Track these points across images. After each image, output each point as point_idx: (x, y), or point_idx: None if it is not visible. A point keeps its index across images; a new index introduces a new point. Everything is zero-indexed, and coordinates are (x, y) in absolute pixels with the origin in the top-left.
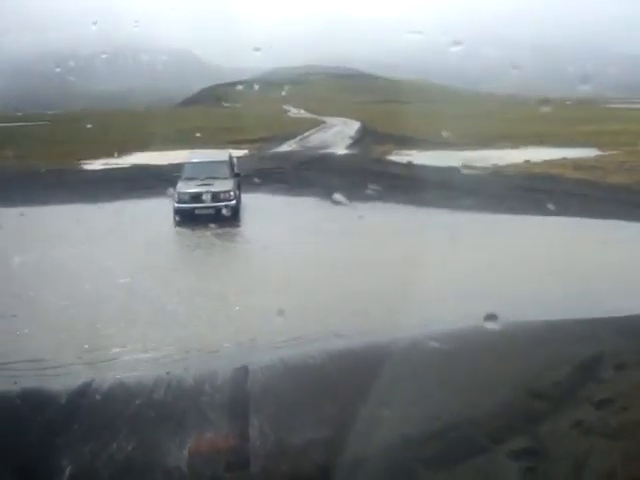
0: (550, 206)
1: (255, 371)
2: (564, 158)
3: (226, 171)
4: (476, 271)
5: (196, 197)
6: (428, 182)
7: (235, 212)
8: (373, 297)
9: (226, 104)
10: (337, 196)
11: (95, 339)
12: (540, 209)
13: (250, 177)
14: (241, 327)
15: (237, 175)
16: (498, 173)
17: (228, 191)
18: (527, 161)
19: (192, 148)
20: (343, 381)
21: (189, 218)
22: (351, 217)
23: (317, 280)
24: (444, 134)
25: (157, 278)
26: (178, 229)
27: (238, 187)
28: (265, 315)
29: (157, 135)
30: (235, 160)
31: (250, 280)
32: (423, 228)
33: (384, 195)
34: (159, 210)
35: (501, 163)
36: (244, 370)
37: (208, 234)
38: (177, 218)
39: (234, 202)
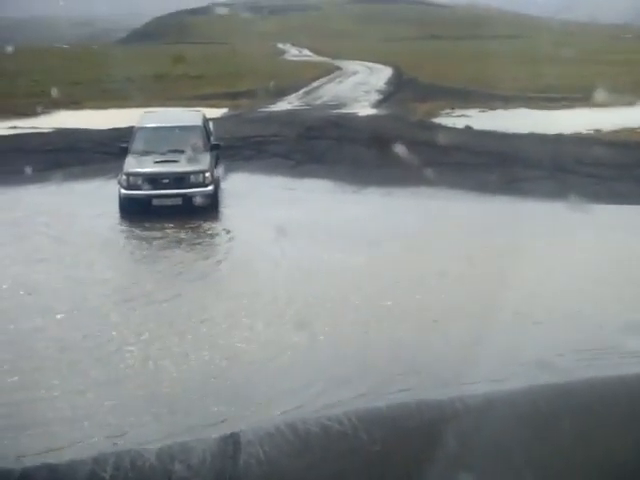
0: None
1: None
2: None
3: (198, 141)
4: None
5: (154, 180)
6: (495, 156)
7: (213, 203)
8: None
9: (192, 41)
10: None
11: None
12: None
13: (234, 149)
14: None
15: (215, 147)
16: (607, 142)
17: (202, 171)
18: None
19: (145, 106)
20: None
21: (143, 211)
22: (390, 211)
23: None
24: (515, 84)
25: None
26: (124, 228)
27: (216, 165)
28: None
29: (91, 85)
30: (211, 124)
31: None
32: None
33: (432, 177)
34: (94, 200)
35: (604, 127)
36: None
37: (171, 240)
38: (124, 210)
39: (211, 188)
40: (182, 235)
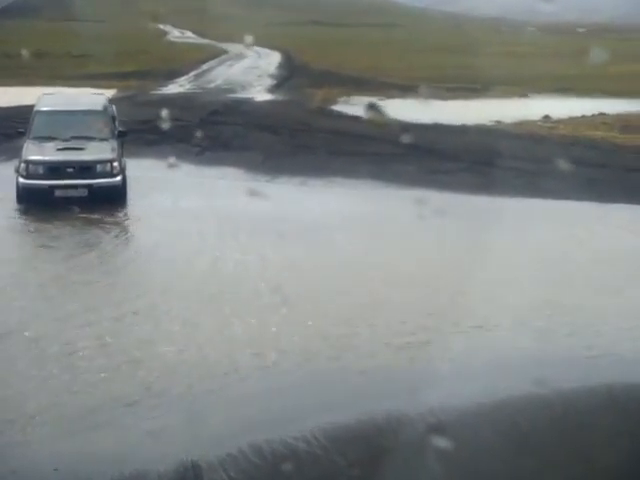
0: None
1: None
2: (601, 114)
3: (103, 126)
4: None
5: (56, 169)
6: (408, 147)
7: (119, 194)
8: None
9: (69, 18)
10: None
11: None
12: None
13: (135, 133)
14: None
15: (122, 134)
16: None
17: (109, 160)
18: (547, 117)
19: (27, 85)
20: None
21: (43, 202)
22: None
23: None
24: (409, 73)
25: None
26: (22, 221)
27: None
28: None
29: None
30: (114, 109)
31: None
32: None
33: (345, 167)
34: None
35: (505, 119)
36: None
37: (76, 233)
38: (23, 201)
39: (119, 178)
40: (95, 231)
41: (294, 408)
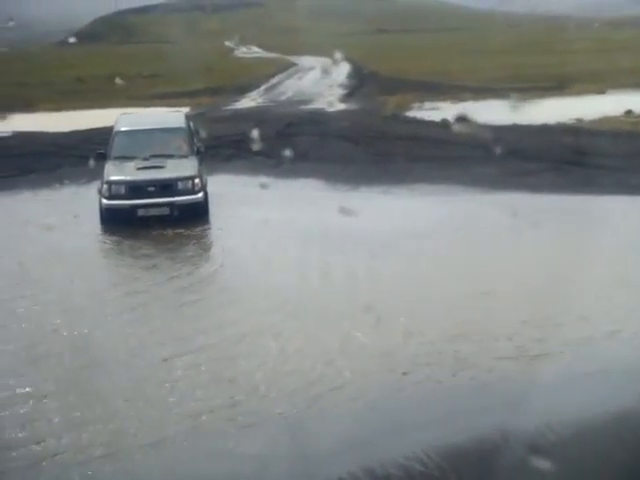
0: None
1: None
2: None
3: (183, 144)
4: None
5: (138, 189)
6: (491, 149)
7: (202, 211)
8: None
9: (139, 40)
10: None
11: None
12: None
13: (212, 149)
14: None
15: (200, 151)
16: (590, 132)
17: (190, 177)
18: (629, 112)
19: (102, 107)
20: None
21: (127, 222)
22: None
23: None
24: (479, 75)
25: None
26: (106, 243)
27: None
28: None
29: (41, 87)
30: (193, 125)
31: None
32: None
33: (430, 173)
34: (67, 213)
35: (585, 116)
36: None
37: (163, 258)
38: (106, 222)
39: (200, 195)
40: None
41: None
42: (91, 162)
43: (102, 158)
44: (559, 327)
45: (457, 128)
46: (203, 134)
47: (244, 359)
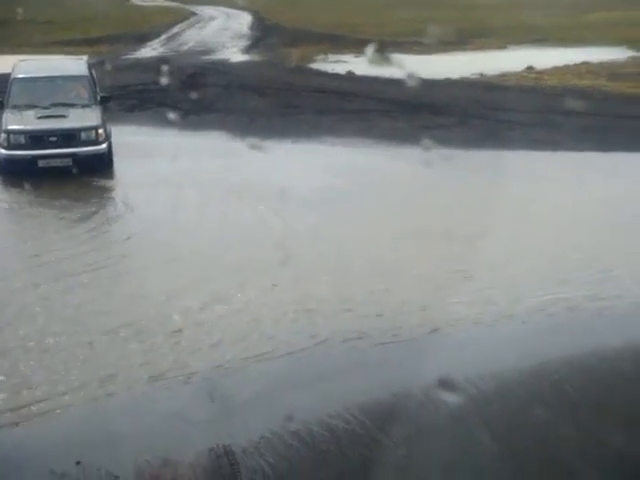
0: None
1: None
2: (585, 63)
3: (86, 93)
4: None
5: (39, 138)
6: (399, 104)
7: (106, 163)
8: None
9: None
10: None
11: None
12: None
13: (114, 98)
14: None
15: (105, 99)
16: (493, 86)
17: (94, 127)
18: (530, 68)
19: None
20: None
21: (26, 173)
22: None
23: None
24: (382, 30)
25: None
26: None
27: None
28: None
29: None
30: (94, 73)
31: None
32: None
33: (336, 126)
34: None
35: (487, 71)
36: None
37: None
38: (5, 173)
39: (104, 146)
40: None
41: None
42: None
43: None
44: None
45: (362, 81)
46: (105, 83)
47: None
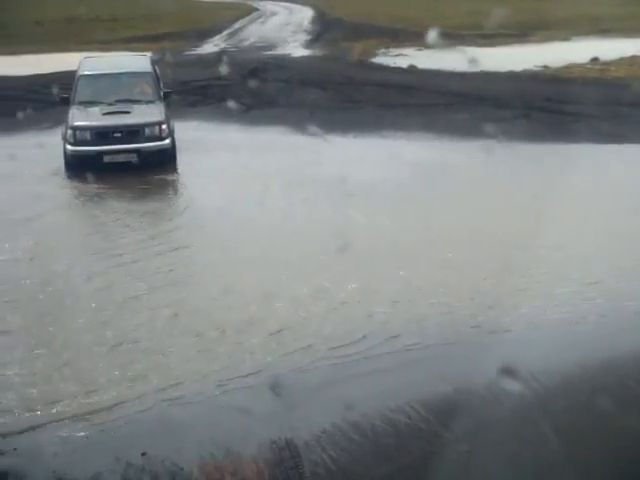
0: None
1: None
2: None
3: (149, 89)
4: None
5: (104, 134)
6: (460, 96)
7: (170, 158)
8: None
9: None
10: None
11: None
12: None
13: (177, 94)
14: None
15: (168, 95)
16: (557, 78)
17: (158, 123)
18: (595, 59)
19: (62, 51)
20: None
21: (91, 169)
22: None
23: None
24: (445, 22)
25: None
26: (70, 191)
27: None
28: None
29: None
30: (158, 69)
31: None
32: None
33: (399, 120)
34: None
35: (551, 64)
36: None
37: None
38: (70, 169)
39: (168, 141)
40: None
41: None
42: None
43: (66, 103)
44: None
45: (424, 74)
46: (168, 79)
47: None
